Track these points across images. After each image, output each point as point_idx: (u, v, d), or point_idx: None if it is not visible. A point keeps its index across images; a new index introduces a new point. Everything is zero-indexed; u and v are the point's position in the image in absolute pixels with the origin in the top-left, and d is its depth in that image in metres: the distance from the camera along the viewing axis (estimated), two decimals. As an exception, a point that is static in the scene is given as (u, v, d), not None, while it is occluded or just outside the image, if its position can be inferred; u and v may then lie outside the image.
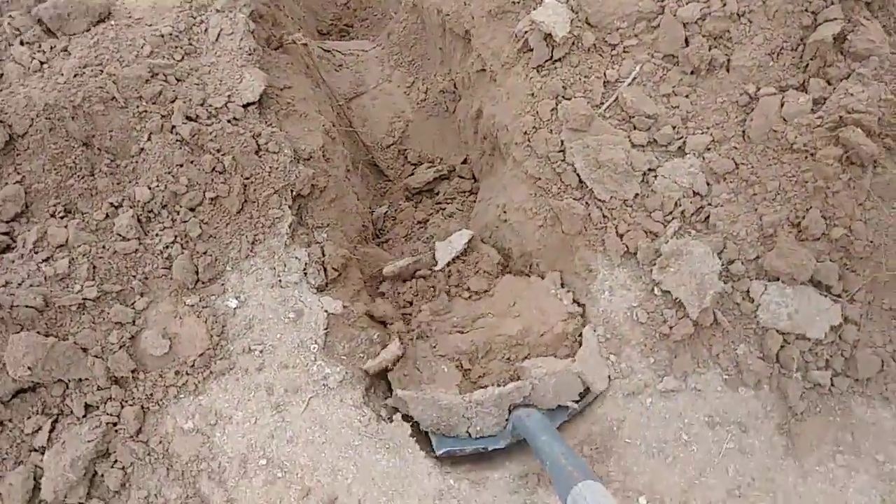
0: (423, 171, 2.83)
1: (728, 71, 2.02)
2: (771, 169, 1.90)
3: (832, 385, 1.85)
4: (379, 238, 2.72)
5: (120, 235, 2.06)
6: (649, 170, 2.01)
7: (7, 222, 2.03)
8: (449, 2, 2.49)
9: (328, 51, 2.91)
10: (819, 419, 1.84)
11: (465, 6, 2.42)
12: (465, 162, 2.83)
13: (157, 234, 2.09)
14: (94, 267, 2.02)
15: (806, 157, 1.85)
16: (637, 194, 2.01)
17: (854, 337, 1.83)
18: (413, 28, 2.93)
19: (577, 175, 2.05)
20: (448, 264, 2.35)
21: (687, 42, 2.05)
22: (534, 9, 2.19)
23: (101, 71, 2.12)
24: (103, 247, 2.05)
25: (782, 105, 1.90)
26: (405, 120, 2.92)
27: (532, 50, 2.17)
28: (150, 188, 2.08)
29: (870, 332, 1.85)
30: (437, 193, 2.82)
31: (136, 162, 2.12)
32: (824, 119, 1.85)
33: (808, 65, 1.93)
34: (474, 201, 2.70)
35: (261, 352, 2.05)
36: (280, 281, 2.12)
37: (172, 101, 2.14)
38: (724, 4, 1.99)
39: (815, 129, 1.85)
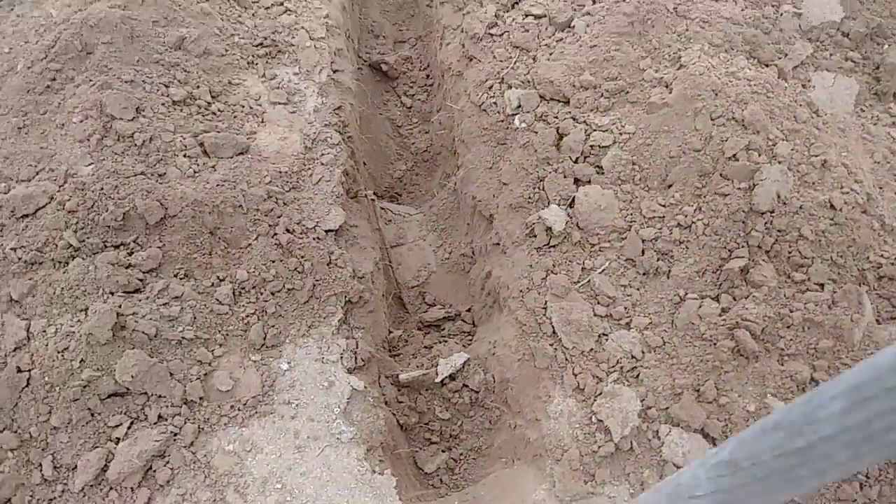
0: (435, 311, 3.65)
1: (668, 278, 2.87)
2: (686, 349, 2.68)
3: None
4: (391, 353, 3.46)
5: (218, 300, 2.82)
6: (603, 334, 2.80)
7: (144, 272, 2.81)
8: (482, 192, 3.43)
9: (384, 208, 3.86)
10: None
11: (493, 198, 3.36)
12: (468, 310, 3.64)
13: (243, 305, 2.85)
14: (195, 318, 2.76)
15: (710, 345, 2.64)
16: (592, 349, 2.77)
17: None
18: (450, 206, 3.90)
19: (552, 327, 2.83)
20: (444, 378, 3.08)
21: (643, 252, 2.92)
22: (542, 209, 3.10)
23: (236, 186, 3.02)
24: (204, 305, 2.80)
25: (700, 307, 2.73)
26: (429, 271, 3.78)
27: (536, 236, 3.06)
28: (248, 272, 2.88)
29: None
30: (443, 329, 3.61)
31: (243, 252, 2.94)
32: (726, 322, 2.66)
33: (721, 284, 2.78)
34: (470, 341, 3.46)
35: (296, 406, 2.72)
36: (323, 358, 2.84)
37: (279, 217, 3.01)
38: (671, 233, 2.89)
39: (719, 328, 2.66)
